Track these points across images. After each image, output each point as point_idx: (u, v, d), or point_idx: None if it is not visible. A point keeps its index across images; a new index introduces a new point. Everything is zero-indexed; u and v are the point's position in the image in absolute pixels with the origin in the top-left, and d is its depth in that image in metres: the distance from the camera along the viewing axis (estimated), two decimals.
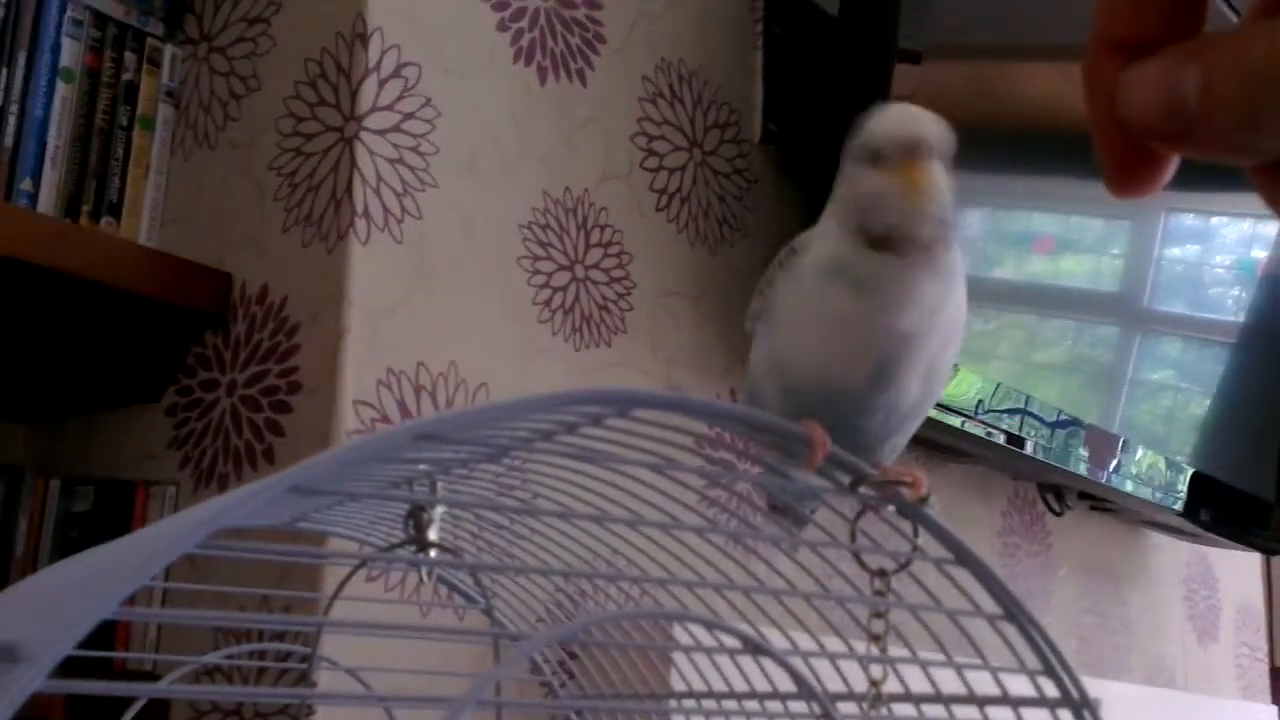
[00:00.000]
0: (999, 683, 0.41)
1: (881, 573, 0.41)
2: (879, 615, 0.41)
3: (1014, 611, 0.39)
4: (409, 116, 1.06)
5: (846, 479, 0.39)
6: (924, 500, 0.39)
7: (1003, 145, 1.47)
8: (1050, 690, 0.40)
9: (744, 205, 1.38)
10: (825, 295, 0.50)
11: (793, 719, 0.49)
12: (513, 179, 1.14)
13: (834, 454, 0.37)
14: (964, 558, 0.38)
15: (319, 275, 1.01)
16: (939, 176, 0.48)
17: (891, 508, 0.39)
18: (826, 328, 0.50)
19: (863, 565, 0.41)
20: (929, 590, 0.41)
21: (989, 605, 0.39)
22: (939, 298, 0.49)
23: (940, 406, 1.37)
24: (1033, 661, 0.40)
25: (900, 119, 0.50)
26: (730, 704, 0.53)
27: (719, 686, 0.57)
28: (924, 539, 0.40)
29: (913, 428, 0.52)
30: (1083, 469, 1.62)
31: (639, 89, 1.28)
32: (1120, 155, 0.27)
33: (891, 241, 0.49)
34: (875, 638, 0.40)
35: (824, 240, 0.52)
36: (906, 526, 0.40)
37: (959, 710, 0.42)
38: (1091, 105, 0.27)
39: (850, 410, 0.49)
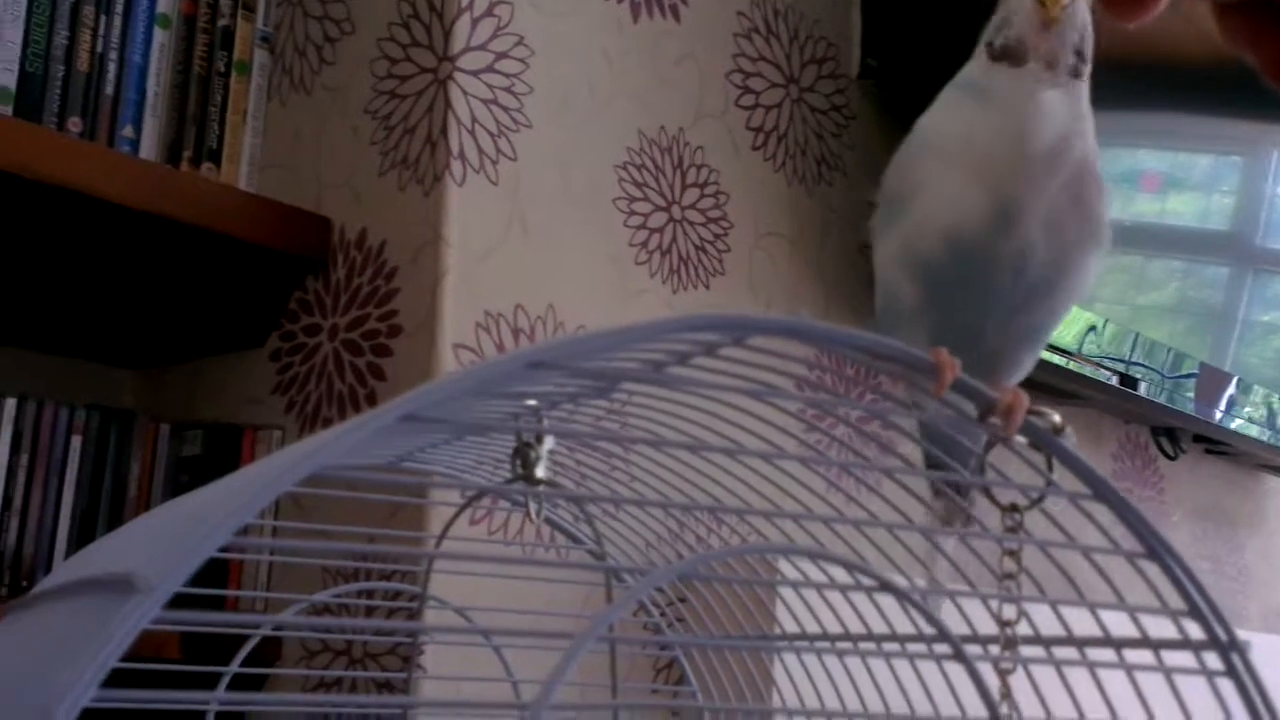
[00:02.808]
0: (1138, 625, 0.39)
1: (1013, 508, 0.39)
2: (1010, 554, 0.39)
3: (1156, 549, 0.36)
4: (502, 56, 1.05)
5: (974, 410, 0.37)
6: (1059, 431, 0.37)
7: (1108, 80, 1.41)
8: (1195, 633, 0.37)
9: (842, 143, 1.34)
10: (950, 111, 0.52)
11: (912, 661, 0.48)
12: (607, 118, 1.12)
13: (962, 381, 0.35)
14: (1102, 492, 0.36)
15: (416, 218, 1.01)
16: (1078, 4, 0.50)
17: (1024, 439, 0.37)
18: (952, 147, 0.50)
19: (993, 500, 0.39)
20: (1063, 528, 0.38)
21: (1128, 543, 0.37)
22: (1064, 121, 0.49)
23: (1048, 346, 1.32)
24: (1176, 602, 0.37)
25: None
26: (844, 645, 0.52)
27: (831, 627, 0.55)
28: (1057, 473, 0.38)
29: (1057, 311, 0.50)
30: (1198, 410, 1.57)
31: (734, 24, 1.25)
32: None
33: (1012, 56, 0.50)
34: (1007, 576, 0.39)
35: (962, 75, 0.54)
36: (1040, 460, 0.37)
37: (1096, 654, 0.40)
38: None
39: (979, 274, 0.48)
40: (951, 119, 0.52)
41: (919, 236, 0.50)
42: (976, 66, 0.52)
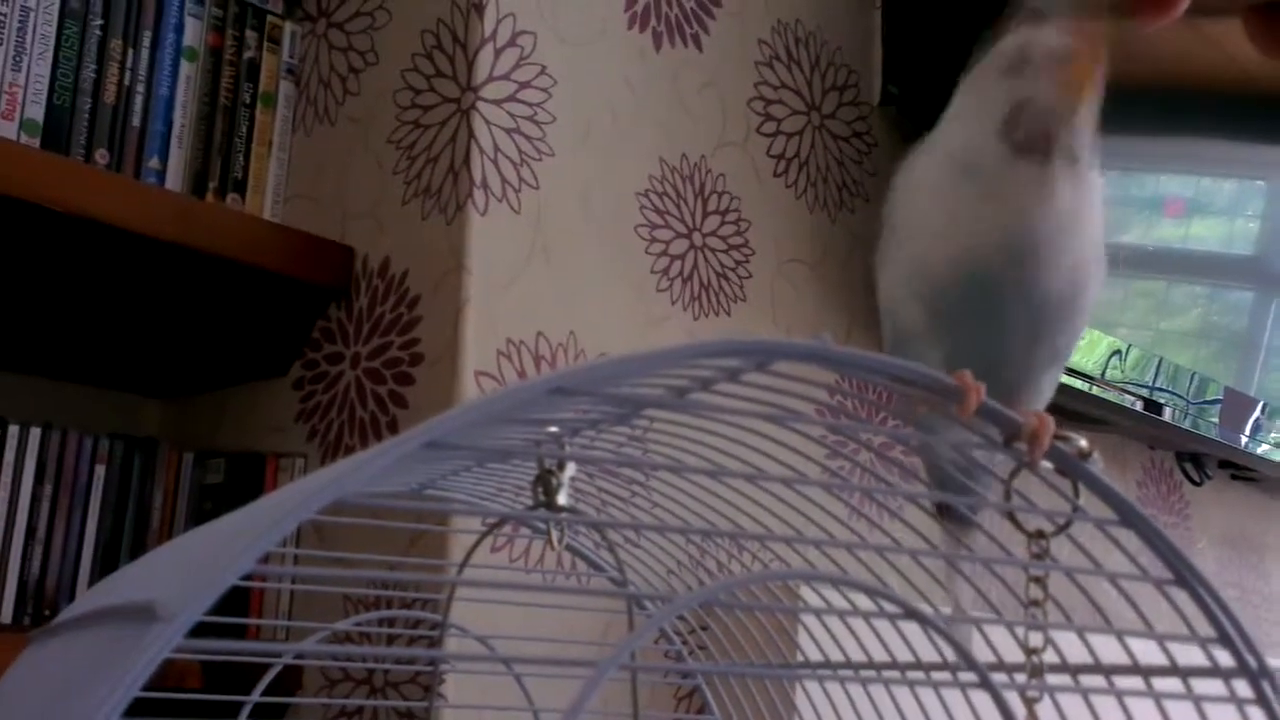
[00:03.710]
0: (1166, 652, 0.38)
1: (1039, 534, 0.39)
2: (1036, 580, 0.38)
3: (1185, 575, 0.36)
4: (525, 85, 1.05)
5: (999, 435, 0.37)
6: (1085, 456, 0.36)
7: (1131, 105, 1.40)
8: (1224, 660, 0.37)
9: (864, 169, 1.34)
10: (959, 191, 0.49)
11: (937, 689, 0.47)
12: (629, 147, 1.13)
13: (987, 405, 0.35)
14: (1129, 518, 0.36)
15: (439, 247, 1.01)
16: (1097, 81, 0.48)
17: (1050, 465, 0.36)
18: (962, 217, 0.49)
19: (1018, 526, 0.39)
20: (1089, 554, 0.38)
21: (1156, 569, 0.37)
22: (1078, 205, 0.47)
23: (1068, 370, 1.32)
24: (1204, 629, 0.37)
25: (1040, 32, 0.49)
26: (868, 674, 0.51)
27: (853, 655, 0.55)
28: (1084, 499, 0.38)
29: (1068, 341, 0.49)
30: (1223, 435, 1.55)
31: (755, 52, 1.26)
32: None
33: (1035, 148, 0.47)
34: (1034, 603, 0.38)
35: (952, 141, 0.51)
36: (1066, 485, 0.37)
37: (1123, 682, 0.39)
38: None
39: (996, 302, 0.47)
40: (957, 198, 0.49)
41: (926, 265, 0.49)
42: (988, 151, 0.48)
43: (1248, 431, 1.62)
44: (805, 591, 0.73)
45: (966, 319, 0.47)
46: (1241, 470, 1.74)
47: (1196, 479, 1.71)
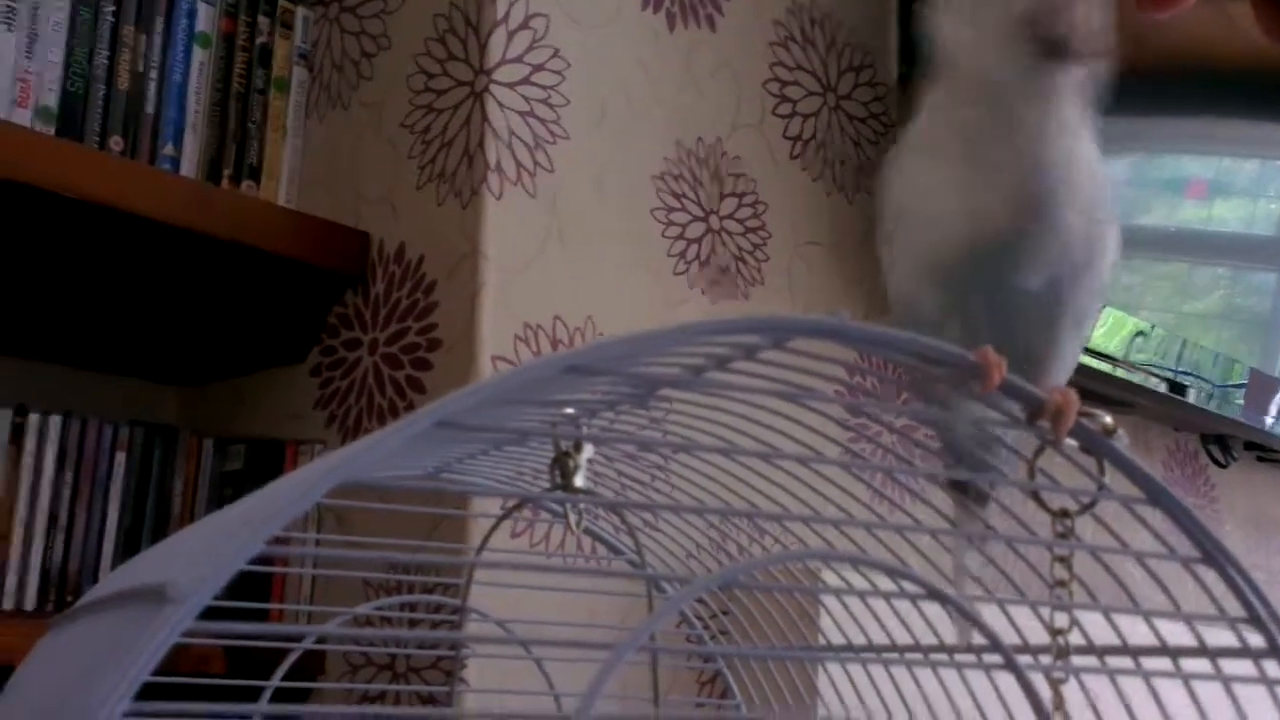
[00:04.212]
0: (1195, 633, 0.38)
1: (1064, 513, 0.38)
2: (1061, 560, 0.38)
3: (1214, 554, 0.35)
4: (538, 68, 1.05)
5: (1022, 412, 0.36)
6: (1110, 433, 0.36)
7: (1152, 87, 1.39)
8: (1255, 641, 0.36)
9: (881, 150, 1.33)
10: (962, 130, 0.46)
11: (960, 671, 0.47)
12: (644, 129, 1.12)
13: (1009, 382, 0.34)
14: (1157, 496, 0.35)
15: (454, 231, 1.01)
16: None
17: (1074, 443, 0.36)
18: (964, 168, 0.46)
19: (1042, 505, 0.38)
20: (1115, 533, 0.37)
21: (1183, 548, 0.36)
22: (1081, 124, 0.45)
23: (1091, 352, 1.31)
24: (1234, 608, 0.36)
25: None
26: (891, 657, 0.51)
27: (875, 637, 0.54)
28: (1109, 477, 0.37)
29: (1088, 304, 0.47)
30: (1248, 417, 1.54)
31: (770, 33, 1.25)
32: None
33: (1057, 48, 0.44)
34: (1059, 583, 0.38)
35: (961, 50, 0.47)
36: (1090, 464, 0.36)
37: (1151, 663, 0.39)
38: None
39: (1014, 263, 0.45)
40: (965, 131, 0.46)
41: (936, 244, 0.46)
42: (1008, 63, 0.45)
43: (1273, 413, 1.60)
44: (826, 574, 0.73)
45: (984, 288, 0.45)
46: (1268, 452, 1.72)
47: (1222, 461, 1.69)
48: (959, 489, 0.49)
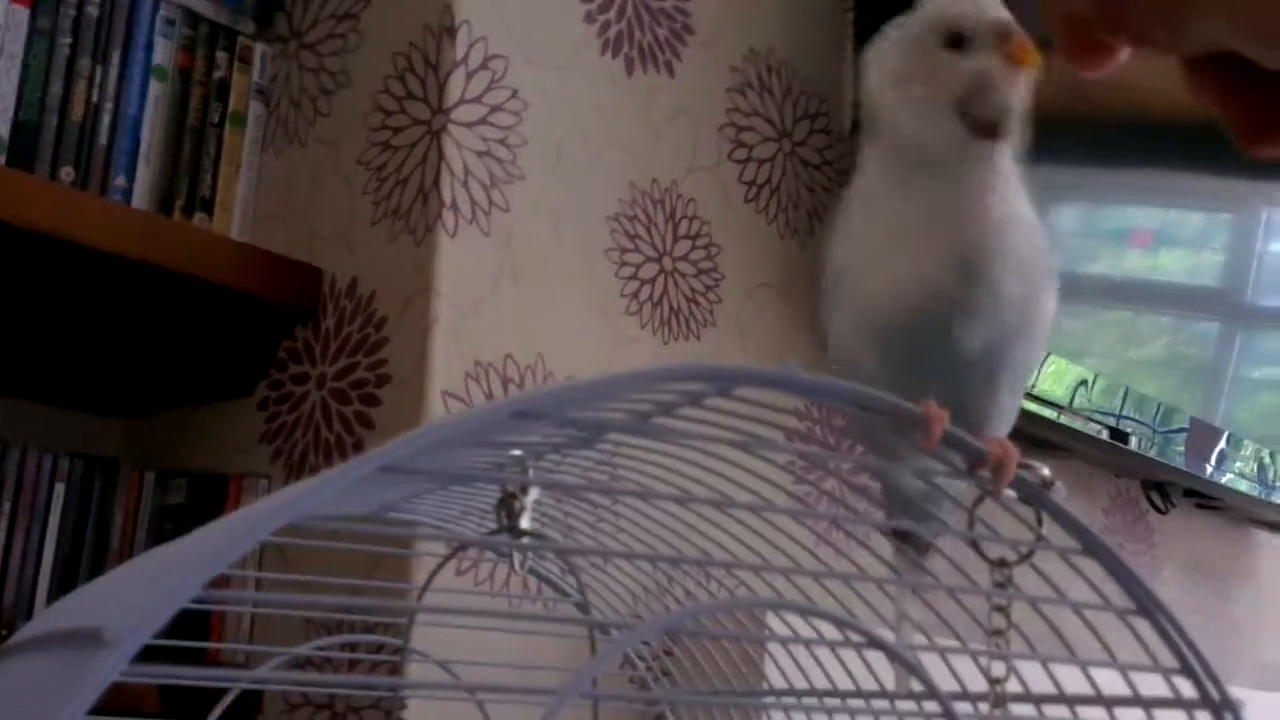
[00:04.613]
0: (1129, 682, 0.38)
1: (1002, 563, 0.38)
2: (999, 609, 0.38)
3: (1148, 605, 0.36)
4: (496, 109, 1.05)
5: (963, 463, 0.37)
6: (1049, 485, 0.36)
7: (1098, 137, 1.42)
8: (1187, 691, 0.37)
9: (834, 197, 1.35)
10: (901, 199, 0.48)
11: (900, 718, 0.47)
12: (600, 171, 1.13)
13: (950, 434, 0.35)
14: (1092, 547, 0.36)
15: (407, 268, 1.01)
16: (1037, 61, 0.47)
17: (1013, 493, 0.36)
18: (907, 234, 0.47)
19: (981, 555, 0.39)
20: (1052, 583, 0.38)
21: (1119, 598, 0.37)
22: (1013, 191, 0.47)
23: (1035, 399, 1.32)
24: (1168, 659, 0.37)
25: (974, 3, 0.48)
26: (833, 702, 0.51)
27: (818, 683, 0.55)
28: (1047, 528, 0.38)
29: (1026, 358, 0.48)
30: (1189, 464, 1.56)
31: (727, 79, 1.26)
32: (1068, 34, 0.27)
33: (990, 129, 0.47)
34: (996, 632, 0.38)
35: (902, 121, 0.49)
36: (1029, 514, 0.37)
37: (1087, 712, 0.39)
38: None
39: (952, 329, 0.46)
40: (906, 195, 0.48)
41: (876, 305, 0.48)
42: (945, 136, 0.47)
43: (1213, 461, 1.63)
44: (772, 620, 0.73)
45: (923, 356, 0.46)
46: (1206, 499, 1.75)
47: (1162, 507, 1.71)
48: (901, 537, 0.50)
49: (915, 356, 0.47)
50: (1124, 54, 0.27)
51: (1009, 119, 0.47)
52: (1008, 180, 0.48)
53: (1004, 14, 0.48)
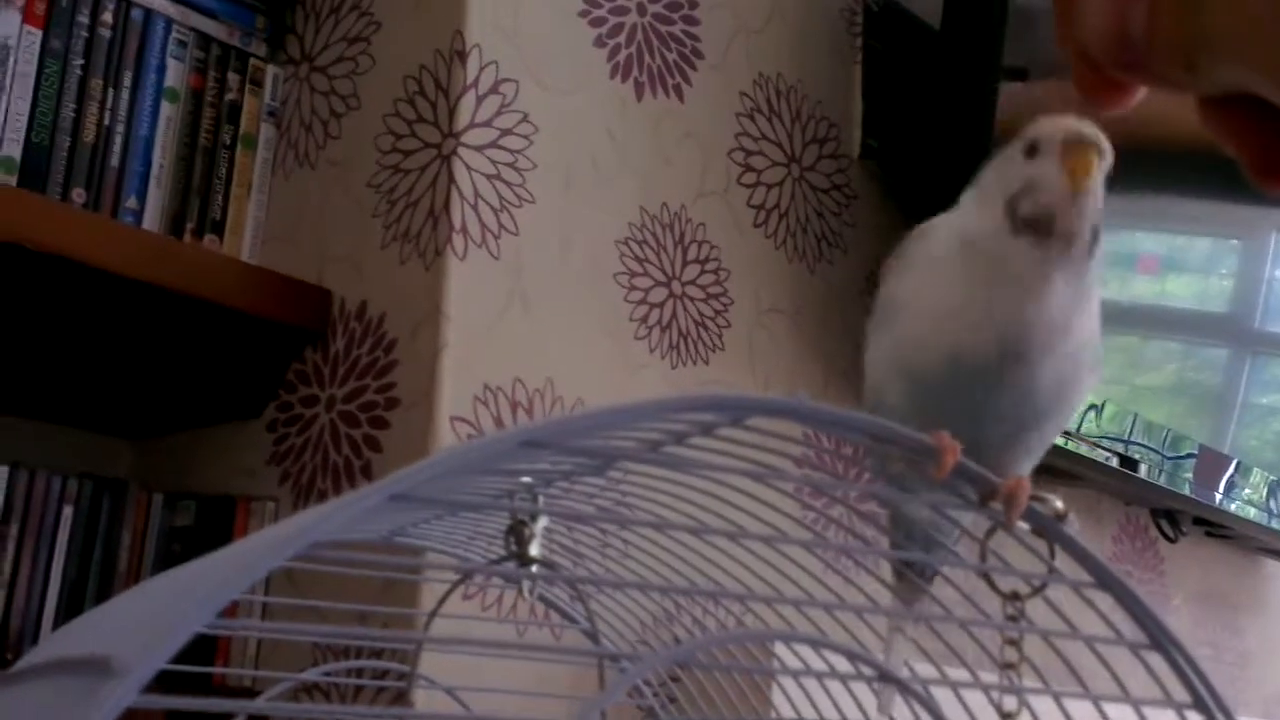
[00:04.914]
0: (1141, 716, 0.38)
1: (1015, 596, 0.38)
2: (1012, 642, 0.38)
3: (1160, 639, 0.36)
4: (506, 133, 1.05)
5: (975, 494, 0.37)
6: (1061, 517, 0.36)
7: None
8: None
9: (843, 221, 1.35)
10: (958, 269, 0.50)
11: None
12: (609, 195, 1.13)
13: (963, 465, 0.35)
14: (1105, 580, 0.36)
15: (417, 291, 1.01)
16: (1099, 172, 0.49)
17: (1026, 525, 0.36)
18: (957, 300, 0.49)
19: (993, 587, 0.38)
20: (1065, 616, 0.38)
21: (1132, 632, 0.37)
22: (1073, 300, 0.47)
23: None
24: (1180, 693, 0.37)
25: (1063, 118, 0.50)
26: None
27: (827, 714, 0.54)
28: (1059, 560, 0.37)
29: (1049, 433, 0.50)
30: (1197, 492, 1.56)
31: (736, 104, 1.26)
32: (1084, 72, 0.27)
33: (1037, 228, 0.48)
34: (1008, 665, 0.38)
35: (962, 218, 0.52)
36: (1042, 546, 0.37)
37: None
38: (1059, 23, 0.27)
39: (982, 394, 0.47)
40: (957, 275, 0.50)
41: (920, 349, 0.49)
42: (990, 230, 0.50)
43: (1221, 489, 1.62)
44: (780, 649, 0.73)
45: (950, 406, 0.47)
46: (1215, 527, 1.74)
47: (1171, 535, 1.71)
48: (904, 562, 0.50)
49: (941, 403, 0.47)
50: (1140, 92, 0.27)
51: (1053, 221, 0.48)
52: (1062, 288, 0.48)
53: (1084, 128, 0.50)
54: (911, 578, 0.50)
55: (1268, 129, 0.25)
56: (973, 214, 0.51)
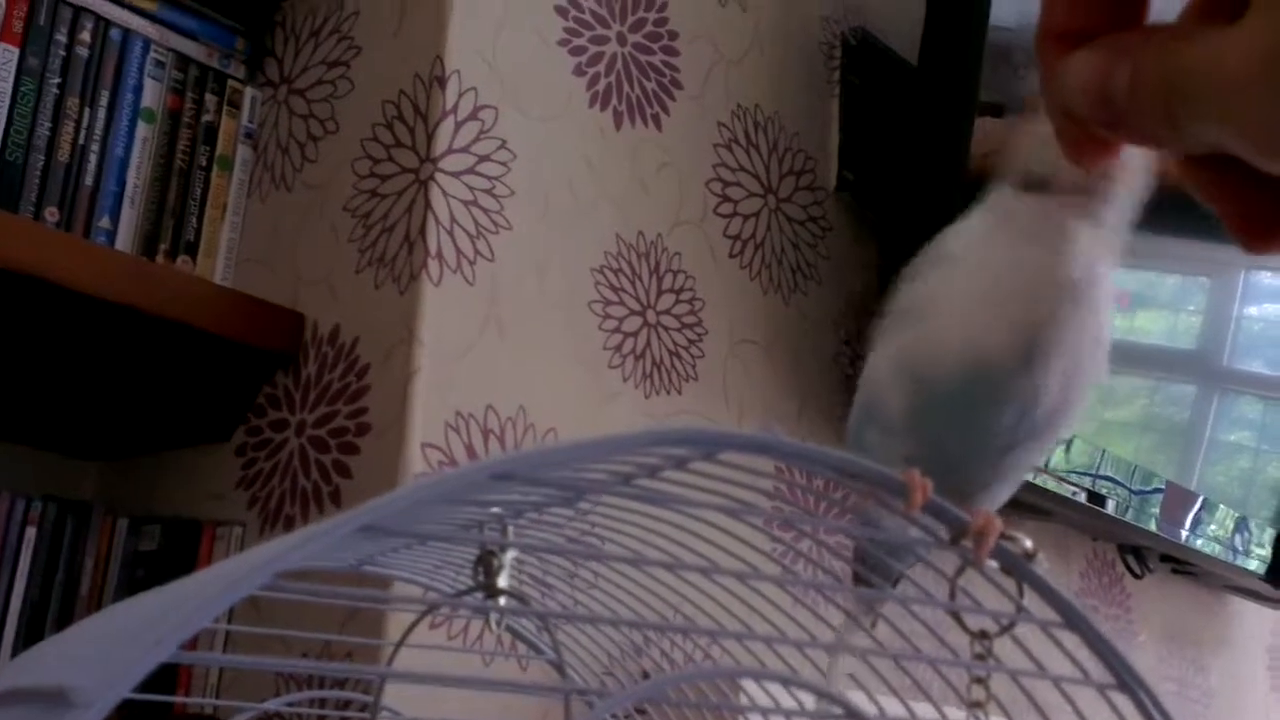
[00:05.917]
0: None
1: (983, 634, 0.38)
2: (979, 681, 0.38)
3: (1127, 680, 0.36)
4: (484, 159, 1.06)
5: (945, 532, 0.37)
6: (1031, 557, 0.36)
7: None
8: None
9: (818, 253, 1.36)
10: (986, 246, 0.50)
11: None
12: (586, 223, 1.13)
13: (934, 502, 0.35)
14: (1073, 620, 0.36)
15: (391, 316, 1.01)
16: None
17: (995, 564, 0.36)
18: (988, 282, 0.49)
19: (962, 626, 0.38)
20: (1032, 655, 0.38)
21: (1099, 672, 0.37)
22: (1096, 250, 0.48)
23: None
24: None
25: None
26: None
27: None
28: (1027, 599, 0.37)
29: (1036, 454, 0.50)
30: (1163, 529, 1.57)
31: (714, 134, 1.27)
32: (1069, 131, 0.28)
33: (1049, 185, 0.49)
34: (975, 704, 0.38)
35: (971, 215, 0.52)
36: (1010, 585, 0.37)
37: None
38: (1044, 85, 0.28)
39: (987, 404, 0.47)
40: (980, 243, 0.51)
41: (927, 353, 0.49)
42: (1008, 196, 0.50)
43: (1188, 525, 1.63)
44: (747, 682, 0.72)
45: (952, 413, 0.47)
46: (1181, 564, 1.75)
47: (1138, 572, 1.72)
48: (867, 568, 0.50)
49: (943, 412, 0.48)
50: (1124, 150, 0.28)
51: (1060, 177, 0.49)
52: (1082, 231, 0.49)
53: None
54: (877, 581, 0.51)
55: (1250, 189, 0.26)
56: (981, 206, 0.51)
